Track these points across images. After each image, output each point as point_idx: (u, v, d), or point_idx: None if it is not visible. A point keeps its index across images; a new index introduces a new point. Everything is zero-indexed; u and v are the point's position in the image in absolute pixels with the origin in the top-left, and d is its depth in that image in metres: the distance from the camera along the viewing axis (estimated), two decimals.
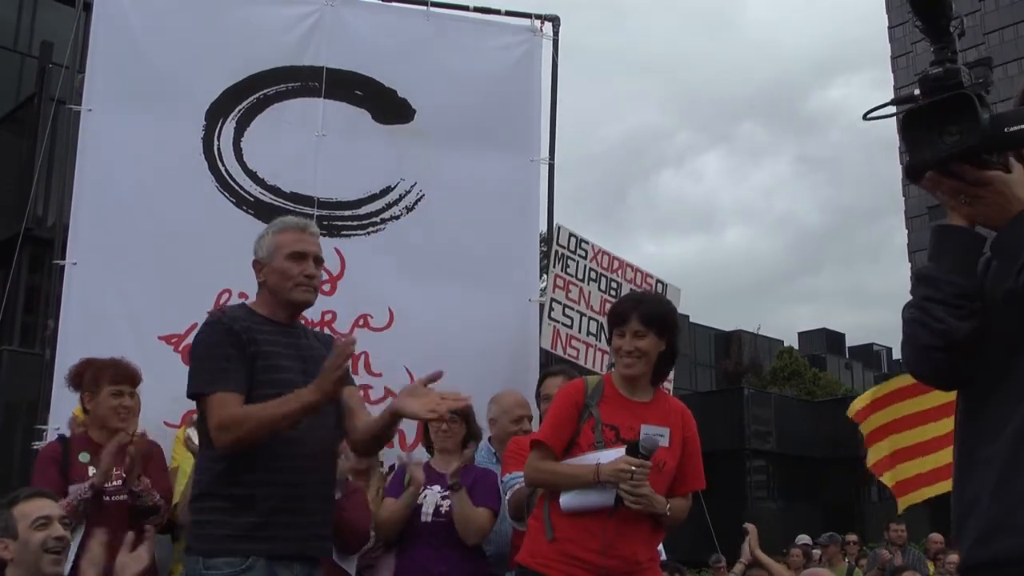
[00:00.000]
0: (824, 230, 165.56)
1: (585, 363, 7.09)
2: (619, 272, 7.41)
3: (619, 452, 4.03)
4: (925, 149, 2.11)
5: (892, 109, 2.23)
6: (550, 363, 6.82)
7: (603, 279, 7.31)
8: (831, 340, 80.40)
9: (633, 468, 3.91)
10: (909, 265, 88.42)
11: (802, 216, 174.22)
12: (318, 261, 4.07)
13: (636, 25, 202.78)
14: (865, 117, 2.33)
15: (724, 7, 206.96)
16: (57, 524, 3.80)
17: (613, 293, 7.26)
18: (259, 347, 3.80)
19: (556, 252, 7.12)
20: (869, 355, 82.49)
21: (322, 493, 3.87)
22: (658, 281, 7.66)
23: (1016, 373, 2.22)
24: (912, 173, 2.20)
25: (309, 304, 4.09)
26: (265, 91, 7.03)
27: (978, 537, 2.24)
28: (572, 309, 7.09)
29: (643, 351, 4.21)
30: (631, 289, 7.37)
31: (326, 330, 6.52)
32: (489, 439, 5.81)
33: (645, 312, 4.24)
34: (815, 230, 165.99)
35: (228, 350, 3.75)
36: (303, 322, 4.34)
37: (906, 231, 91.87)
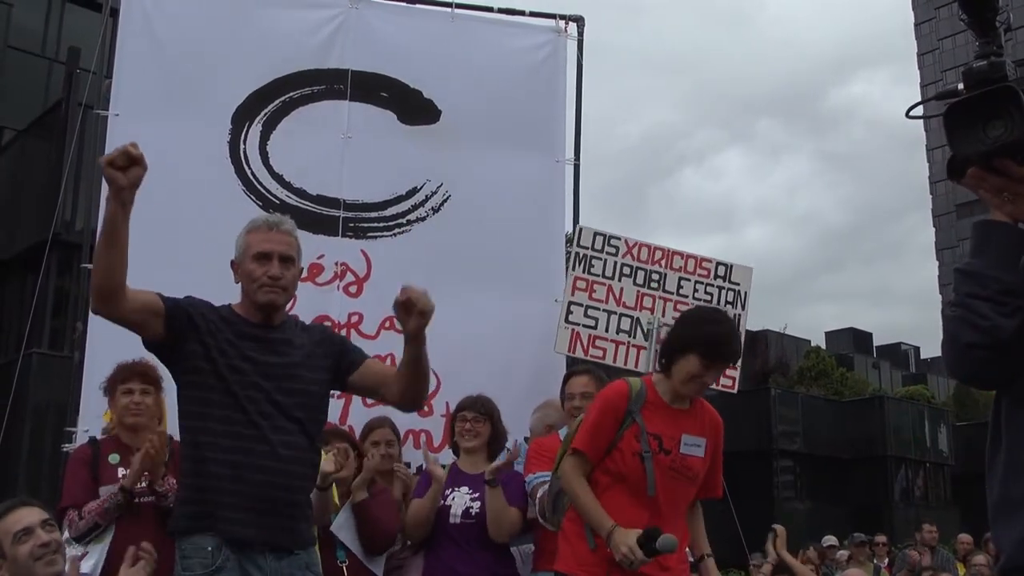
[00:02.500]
0: (847, 228, 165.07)
1: (615, 362, 6.95)
2: (663, 262, 7.16)
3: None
4: (968, 144, 2.07)
5: (936, 107, 2.19)
6: (575, 363, 6.76)
7: (640, 273, 7.08)
8: (858, 339, 79.96)
9: (634, 561, 3.89)
10: (936, 263, 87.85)
11: (824, 214, 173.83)
12: (286, 260, 3.84)
13: (653, 23, 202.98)
14: (908, 115, 2.30)
15: (742, 3, 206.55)
16: (39, 531, 3.78)
17: (654, 285, 7.09)
18: (217, 344, 3.70)
19: (576, 254, 7.01)
20: (897, 354, 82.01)
21: (286, 486, 3.66)
22: (719, 263, 7.34)
23: None
24: (954, 168, 2.16)
25: (275, 306, 3.84)
26: (291, 94, 7.04)
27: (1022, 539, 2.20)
28: (597, 309, 6.93)
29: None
30: (680, 278, 7.15)
31: (353, 332, 6.52)
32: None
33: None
34: (837, 228, 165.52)
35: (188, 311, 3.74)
36: (321, 321, 4.27)
37: (933, 229, 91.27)
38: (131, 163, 3.33)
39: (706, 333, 4.16)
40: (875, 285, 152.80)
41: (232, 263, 3.93)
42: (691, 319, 4.37)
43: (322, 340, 3.97)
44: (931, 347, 76.15)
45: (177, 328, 3.68)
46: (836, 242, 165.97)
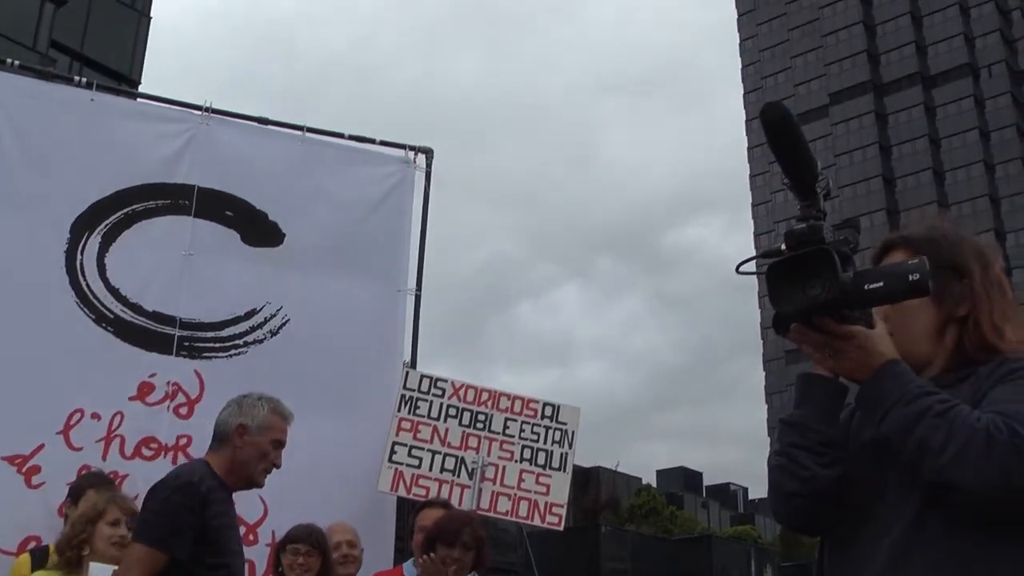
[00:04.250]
0: (680, 368, 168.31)
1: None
2: (489, 403, 7.24)
3: None
4: (789, 302, 2.17)
5: (763, 263, 2.29)
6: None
7: (466, 414, 7.14)
8: (689, 479, 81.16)
9: None
10: (766, 407, 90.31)
11: (658, 353, 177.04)
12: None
13: (497, 156, 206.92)
14: (737, 270, 2.40)
15: (585, 141, 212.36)
16: None
17: (480, 426, 7.14)
18: (213, 515, 3.82)
19: (403, 396, 7.00)
20: (726, 494, 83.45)
21: None
22: (546, 404, 7.38)
23: (876, 518, 2.26)
24: (778, 325, 2.26)
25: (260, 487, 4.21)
26: (134, 207, 6.92)
27: None
28: (421, 449, 6.90)
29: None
30: (507, 419, 7.22)
31: (180, 455, 6.33)
32: None
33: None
34: (671, 367, 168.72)
35: (190, 518, 3.76)
36: None
37: (763, 373, 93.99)
38: None
39: None
40: (706, 425, 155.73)
41: (240, 427, 4.06)
42: None
43: None
44: (759, 488, 77.77)
45: None
46: (669, 381, 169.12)
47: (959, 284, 2.40)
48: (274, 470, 4.16)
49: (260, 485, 4.12)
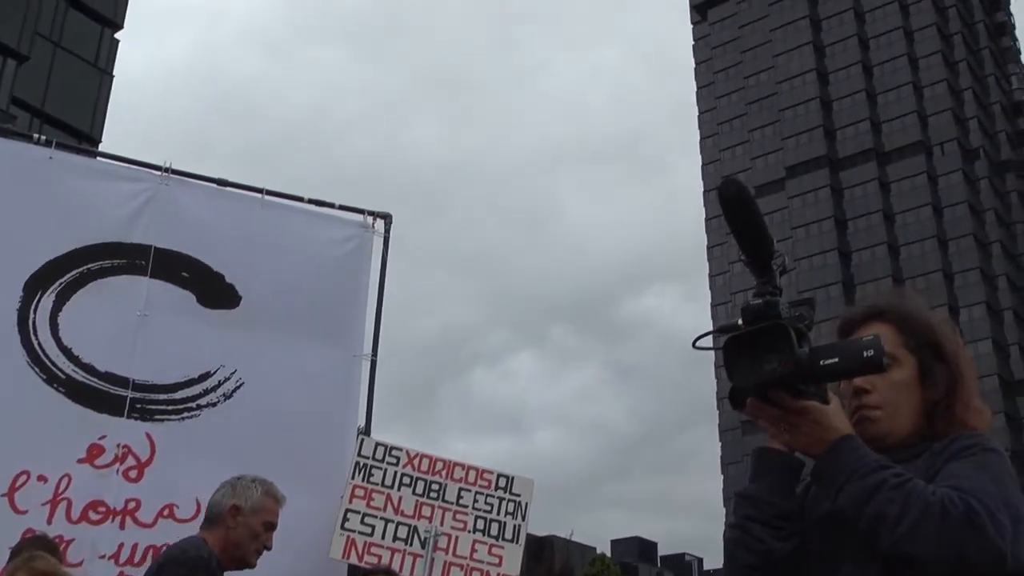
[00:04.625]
0: (635, 437, 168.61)
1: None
2: (444, 473, 7.21)
3: None
4: (746, 376, 2.19)
5: (720, 339, 2.31)
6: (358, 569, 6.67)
7: (420, 483, 7.09)
8: (643, 548, 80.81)
9: None
10: (722, 477, 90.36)
11: (613, 422, 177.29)
12: None
13: (455, 222, 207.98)
14: (694, 345, 2.42)
15: (542, 209, 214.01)
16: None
17: (433, 495, 7.10)
18: None
19: (357, 463, 6.95)
20: (681, 564, 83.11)
21: None
22: (500, 475, 7.33)
23: None
24: (734, 399, 2.29)
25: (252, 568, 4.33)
26: (89, 266, 6.86)
27: None
28: (374, 516, 6.85)
29: None
30: (461, 489, 7.20)
31: (128, 520, 6.24)
32: None
33: None
34: (626, 437, 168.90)
35: None
36: None
37: (719, 443, 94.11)
38: None
39: None
40: (661, 495, 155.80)
41: (234, 508, 4.22)
42: None
43: None
44: (715, 558, 77.52)
45: None
46: (625, 450, 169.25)
47: (938, 365, 2.44)
48: None
49: (252, 565, 4.27)
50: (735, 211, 2.17)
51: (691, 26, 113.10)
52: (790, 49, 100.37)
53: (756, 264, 2.22)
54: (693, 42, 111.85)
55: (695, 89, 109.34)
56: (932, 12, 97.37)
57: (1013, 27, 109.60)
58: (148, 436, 6.59)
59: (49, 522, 6.11)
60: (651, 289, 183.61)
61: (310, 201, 7.66)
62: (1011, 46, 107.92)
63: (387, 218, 7.81)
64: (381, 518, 6.85)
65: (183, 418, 6.77)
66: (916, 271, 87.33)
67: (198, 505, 6.43)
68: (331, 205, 7.73)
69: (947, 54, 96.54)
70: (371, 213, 7.75)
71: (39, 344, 6.59)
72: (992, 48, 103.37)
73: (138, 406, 6.63)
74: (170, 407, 6.75)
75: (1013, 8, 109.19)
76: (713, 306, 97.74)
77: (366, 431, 7.40)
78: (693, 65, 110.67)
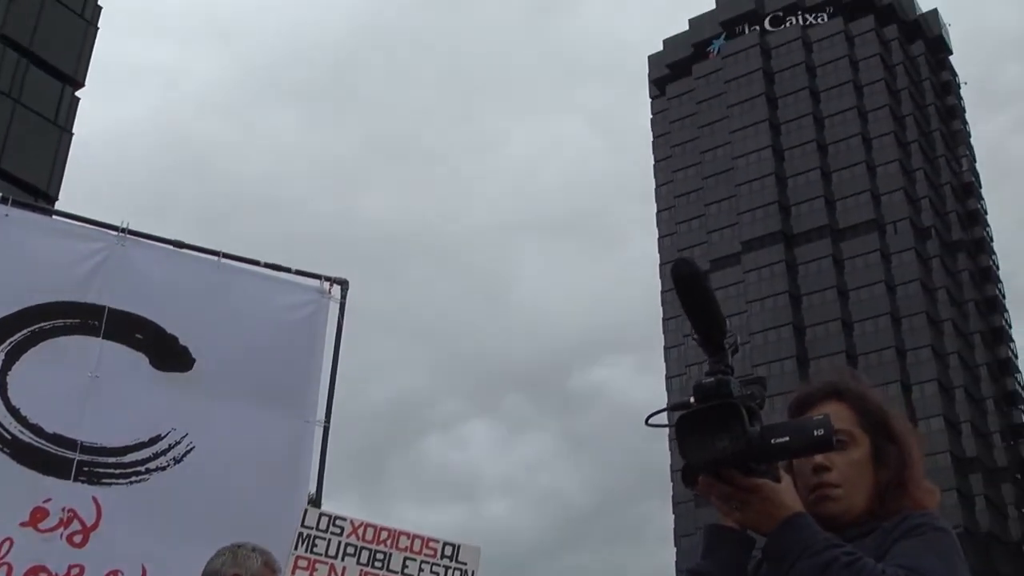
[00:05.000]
0: (587, 508, 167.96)
1: None
2: (388, 542, 7.16)
3: None
4: (698, 453, 2.21)
5: (672, 416, 2.33)
6: None
7: (364, 552, 7.02)
8: None
9: None
10: (675, 549, 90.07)
11: (566, 492, 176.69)
12: None
13: (411, 290, 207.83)
14: (647, 423, 2.44)
15: (498, 278, 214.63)
16: None
17: (378, 564, 7.03)
18: None
19: (301, 534, 6.89)
20: None
21: None
22: (445, 543, 7.26)
23: None
24: (686, 476, 2.30)
25: None
26: (41, 324, 6.78)
27: None
28: None
29: None
30: (406, 558, 7.14)
31: None
32: None
33: None
34: (578, 508, 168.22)
35: None
36: None
37: (672, 515, 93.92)
38: None
39: None
40: (614, 567, 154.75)
41: None
42: None
43: None
44: None
45: None
46: (577, 521, 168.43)
47: (889, 446, 2.48)
48: None
49: None
50: (688, 291, 2.20)
51: (649, 100, 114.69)
52: (747, 126, 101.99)
53: (708, 343, 2.25)
54: (651, 116, 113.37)
55: (653, 162, 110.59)
56: (885, 94, 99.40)
57: (963, 111, 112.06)
58: (95, 500, 6.48)
59: None
60: (606, 360, 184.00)
61: (266, 265, 7.64)
62: (961, 129, 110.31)
63: (343, 284, 7.79)
64: None
65: (131, 482, 6.67)
66: (869, 347, 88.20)
67: (143, 571, 6.34)
68: (287, 270, 7.71)
69: (900, 135, 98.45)
70: (327, 279, 7.73)
71: None
72: (943, 130, 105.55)
73: (85, 469, 6.53)
74: (118, 471, 6.65)
75: (964, 93, 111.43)
76: (668, 378, 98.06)
77: (317, 497, 7.33)
78: (651, 139, 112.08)
